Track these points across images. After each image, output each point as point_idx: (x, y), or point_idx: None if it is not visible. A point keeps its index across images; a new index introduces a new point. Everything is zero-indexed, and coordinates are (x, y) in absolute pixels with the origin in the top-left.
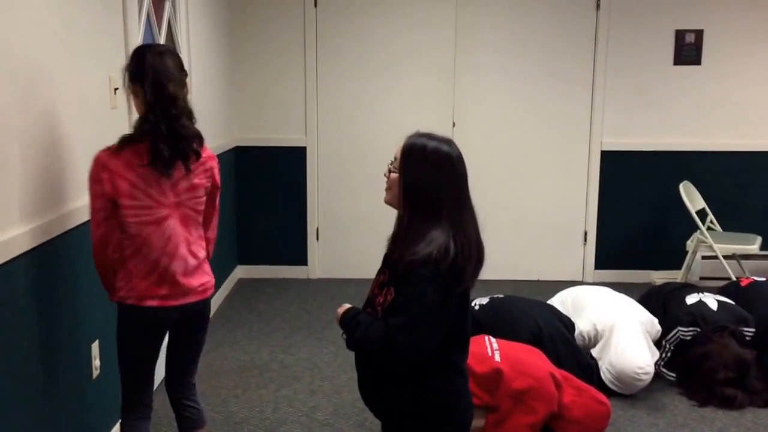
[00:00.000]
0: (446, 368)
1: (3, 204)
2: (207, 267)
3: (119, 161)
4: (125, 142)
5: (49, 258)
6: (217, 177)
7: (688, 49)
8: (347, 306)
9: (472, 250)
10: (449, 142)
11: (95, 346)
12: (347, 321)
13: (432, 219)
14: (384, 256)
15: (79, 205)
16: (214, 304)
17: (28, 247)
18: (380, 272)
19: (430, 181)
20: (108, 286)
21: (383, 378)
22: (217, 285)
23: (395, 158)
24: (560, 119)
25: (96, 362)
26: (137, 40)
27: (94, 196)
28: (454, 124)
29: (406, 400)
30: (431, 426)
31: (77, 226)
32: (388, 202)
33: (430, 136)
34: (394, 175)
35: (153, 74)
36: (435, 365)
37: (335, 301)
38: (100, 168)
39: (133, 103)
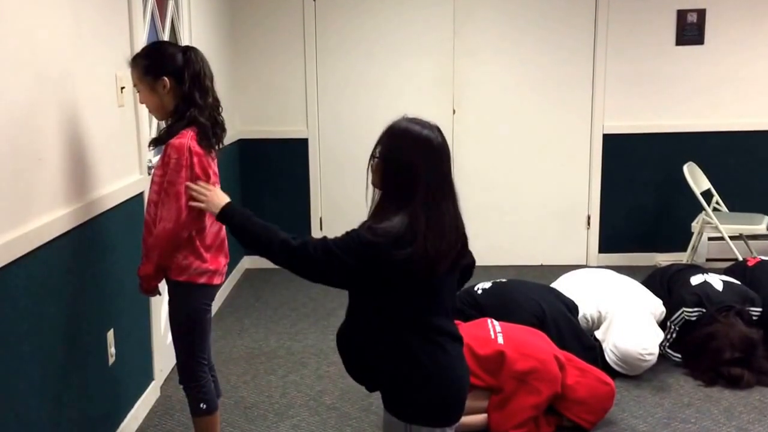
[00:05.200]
0: (430, 331)
1: (35, 195)
2: None
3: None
4: (186, 128)
5: (70, 248)
6: None
7: (690, 29)
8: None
9: (444, 236)
10: (433, 128)
11: (110, 335)
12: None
13: (402, 201)
14: None
15: (94, 198)
16: (222, 294)
17: (52, 237)
18: None
19: (408, 163)
20: (166, 265)
21: (368, 352)
22: (225, 275)
23: (377, 144)
24: (561, 103)
25: (111, 349)
26: (142, 38)
27: (184, 179)
28: (454, 111)
29: (395, 367)
30: (425, 391)
31: (92, 219)
32: (374, 184)
33: (414, 121)
34: (377, 161)
35: (194, 68)
36: (416, 329)
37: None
38: (190, 153)
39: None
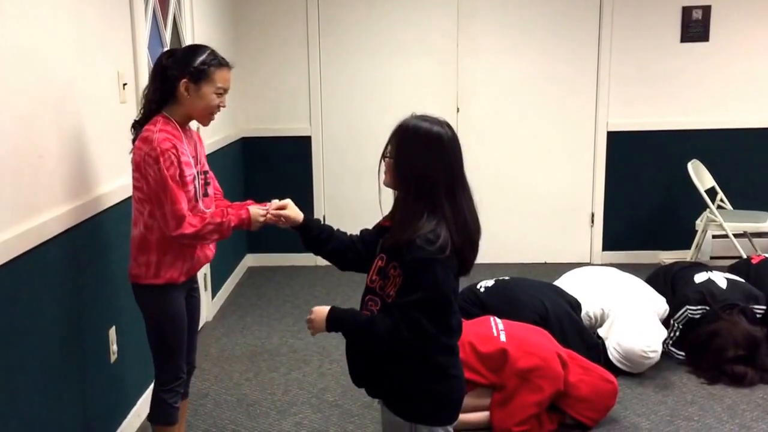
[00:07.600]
0: (448, 331)
1: (36, 193)
2: (133, 253)
3: None
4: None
5: (71, 245)
6: (136, 158)
7: (695, 26)
8: (323, 309)
9: (467, 229)
10: (442, 123)
11: (113, 332)
12: (335, 320)
13: (425, 200)
14: (381, 242)
15: (96, 195)
16: (224, 292)
17: (53, 234)
18: (377, 258)
19: (423, 163)
20: None
21: (374, 359)
22: (228, 273)
23: (388, 143)
24: (566, 100)
25: (114, 347)
26: (144, 36)
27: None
28: (458, 110)
29: (411, 369)
30: (438, 391)
31: (93, 216)
32: (386, 185)
33: (423, 118)
34: (388, 160)
35: None
36: (439, 330)
37: (342, 287)
38: None
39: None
